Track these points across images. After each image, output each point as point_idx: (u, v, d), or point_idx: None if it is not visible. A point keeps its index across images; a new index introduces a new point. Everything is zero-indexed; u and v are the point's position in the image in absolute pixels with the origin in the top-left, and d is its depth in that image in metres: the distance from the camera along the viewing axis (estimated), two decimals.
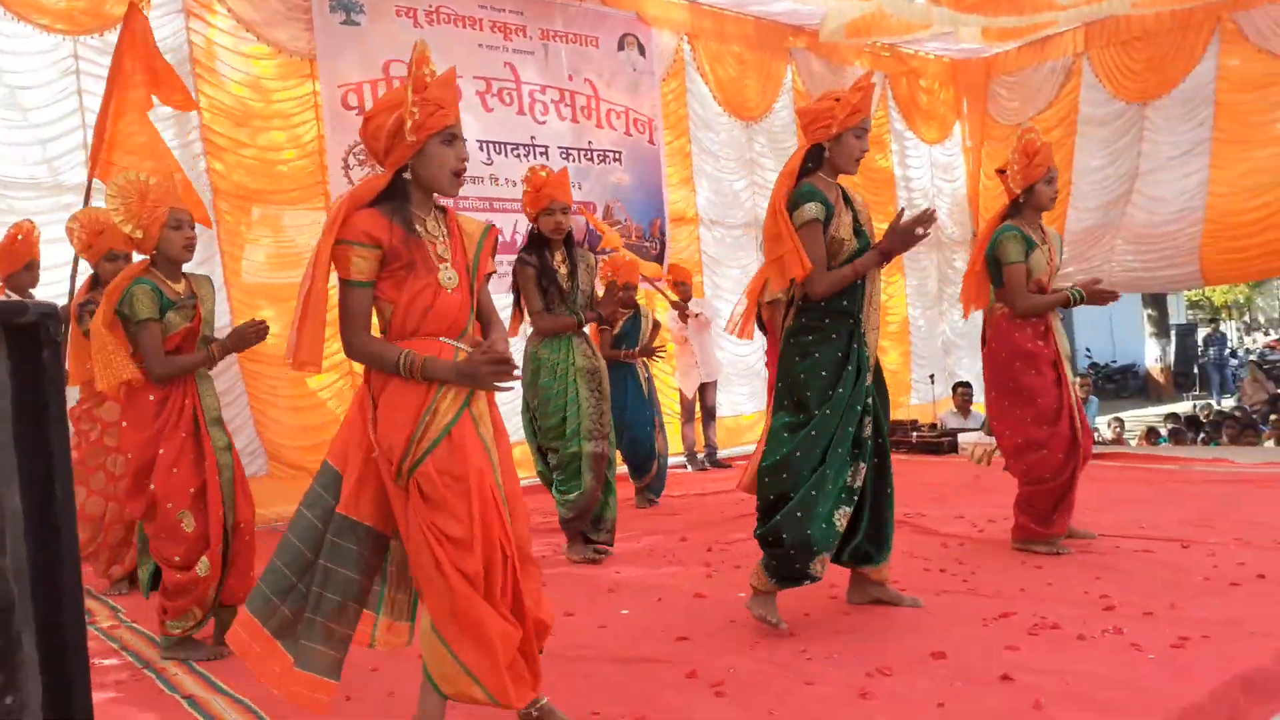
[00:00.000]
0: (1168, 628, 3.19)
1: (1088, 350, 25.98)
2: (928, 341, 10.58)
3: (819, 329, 3.58)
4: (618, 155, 8.28)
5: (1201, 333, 25.16)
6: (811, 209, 3.49)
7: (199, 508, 3.53)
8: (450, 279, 2.48)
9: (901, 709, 2.66)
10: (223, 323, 6.10)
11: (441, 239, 2.51)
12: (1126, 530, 4.75)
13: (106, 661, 3.59)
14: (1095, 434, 11.16)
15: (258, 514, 4.20)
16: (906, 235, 3.47)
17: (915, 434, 8.91)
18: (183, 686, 3.22)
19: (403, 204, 2.46)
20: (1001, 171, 4.68)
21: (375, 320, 2.53)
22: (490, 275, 2.69)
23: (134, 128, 5.28)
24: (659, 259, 8.58)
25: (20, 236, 4.93)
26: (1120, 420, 11.72)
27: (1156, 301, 20.60)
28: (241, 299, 6.76)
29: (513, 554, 2.45)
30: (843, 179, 3.69)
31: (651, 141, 8.53)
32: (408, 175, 2.48)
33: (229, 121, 6.61)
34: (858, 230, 3.64)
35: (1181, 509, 5.25)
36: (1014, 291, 4.51)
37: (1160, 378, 20.91)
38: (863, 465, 3.58)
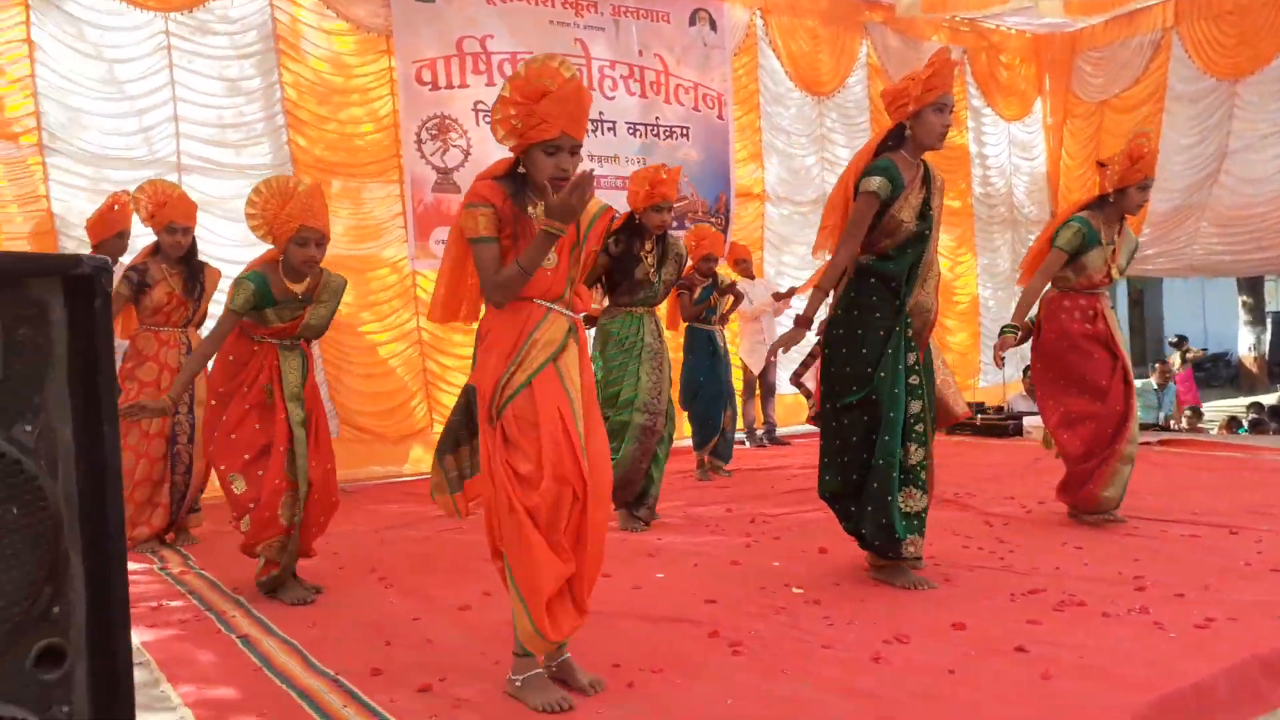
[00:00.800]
0: (1196, 609, 3.19)
1: (1176, 337, 25.14)
2: (998, 322, 10.33)
3: (865, 305, 3.63)
4: (685, 130, 8.33)
5: None
6: (875, 183, 3.56)
7: (252, 473, 3.77)
8: (550, 260, 2.67)
9: (910, 673, 2.73)
10: None
11: None
12: (1178, 515, 4.69)
13: (173, 603, 3.84)
14: (1171, 422, 10.92)
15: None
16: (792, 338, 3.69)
17: (980, 416, 8.82)
18: (239, 627, 3.45)
19: (519, 186, 2.67)
20: (1102, 165, 4.64)
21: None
22: (596, 252, 2.87)
23: None
24: (723, 234, 8.61)
25: (116, 206, 5.25)
26: (1198, 410, 11.35)
27: (1253, 288, 19.77)
28: None
29: (584, 495, 2.64)
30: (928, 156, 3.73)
31: (720, 117, 8.56)
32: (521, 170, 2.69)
33: (311, 97, 6.85)
34: (923, 214, 3.67)
35: (1240, 497, 5.15)
36: (1042, 271, 4.61)
37: (1254, 367, 20.10)
38: (913, 445, 3.66)
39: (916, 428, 3.66)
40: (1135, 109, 10.44)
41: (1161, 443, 7.61)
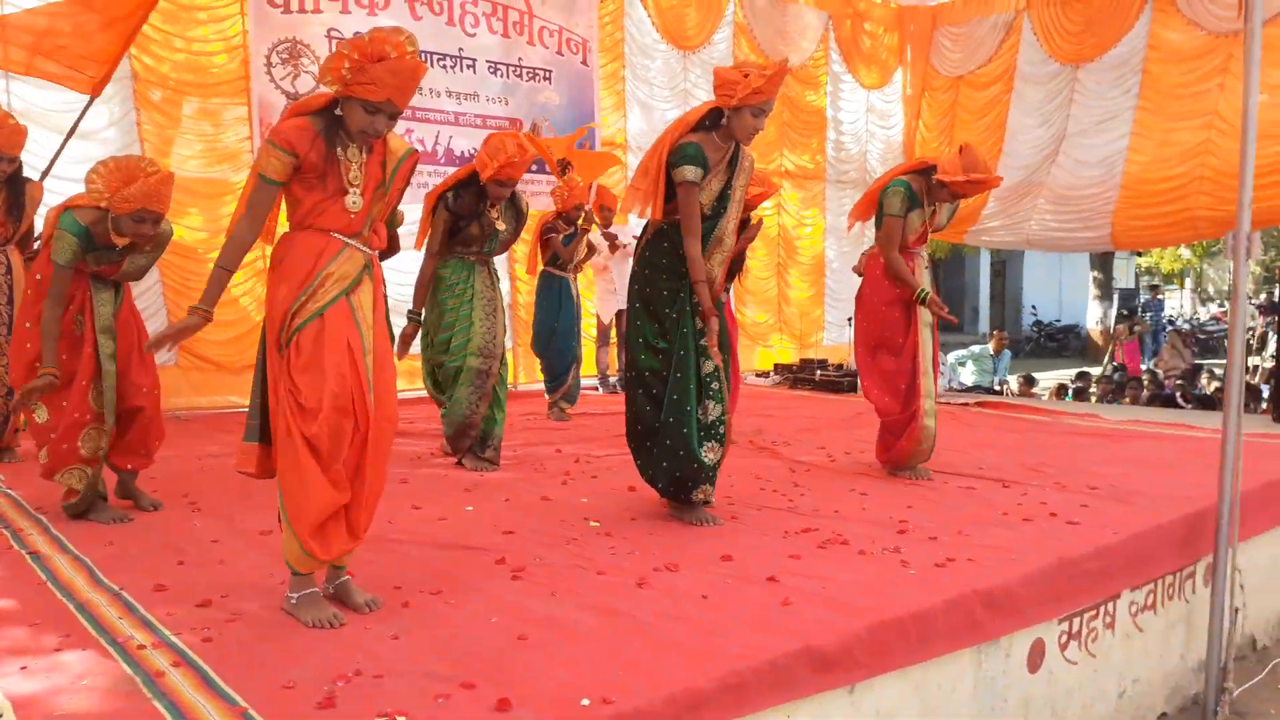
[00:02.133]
0: (941, 550, 3.52)
1: (1033, 307, 26.56)
2: (841, 280, 10.81)
3: (657, 267, 3.83)
4: (548, 74, 8.35)
5: (1143, 298, 25.85)
6: (689, 172, 3.70)
7: (55, 403, 3.77)
8: (354, 203, 2.78)
9: (668, 597, 2.96)
10: None
11: (358, 164, 2.78)
12: (965, 470, 5.09)
13: None
14: (1004, 386, 11.64)
15: (165, 402, 4.34)
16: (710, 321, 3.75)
17: (820, 372, 9.23)
18: (32, 544, 3.47)
19: (331, 124, 2.73)
20: (961, 150, 4.76)
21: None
22: (402, 190, 2.98)
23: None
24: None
25: None
26: (1030, 378, 12.13)
27: (1103, 264, 20.99)
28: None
29: (366, 428, 2.77)
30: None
31: (585, 63, 8.61)
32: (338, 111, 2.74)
33: (156, 14, 6.57)
34: (720, 197, 3.84)
35: (1028, 455, 5.59)
36: (886, 242, 4.85)
37: (1100, 340, 21.42)
38: (710, 402, 3.87)
39: (712, 385, 3.87)
40: (988, 87, 10.91)
41: (979, 404, 8.14)
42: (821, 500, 4.35)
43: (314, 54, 7.08)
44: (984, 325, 26.24)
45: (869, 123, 11.17)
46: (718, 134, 3.79)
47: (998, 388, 11.60)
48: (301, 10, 7.00)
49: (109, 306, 3.87)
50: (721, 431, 3.93)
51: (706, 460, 3.84)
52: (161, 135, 6.77)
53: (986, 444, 6.07)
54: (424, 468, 5.10)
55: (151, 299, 6.85)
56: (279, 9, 6.90)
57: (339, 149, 2.75)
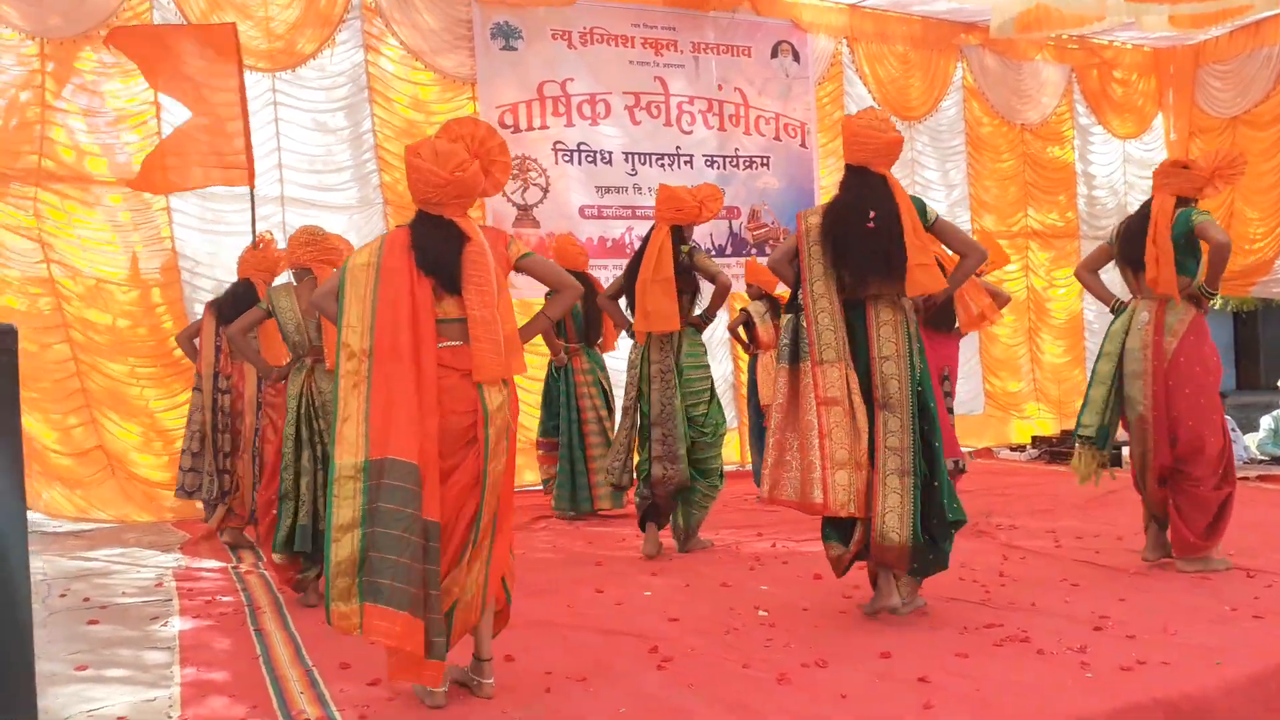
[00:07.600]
0: (1136, 651, 3.19)
1: None
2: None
3: None
4: (765, 160, 8.52)
5: None
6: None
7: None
8: None
9: (804, 693, 2.90)
10: None
11: None
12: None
13: (225, 599, 4.39)
14: None
15: None
16: None
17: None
18: (262, 622, 3.94)
19: None
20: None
21: None
22: None
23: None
24: None
25: (261, 245, 5.86)
26: None
27: None
28: None
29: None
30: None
31: (804, 145, 8.70)
32: None
33: (397, 136, 7.42)
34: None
35: None
36: None
37: None
38: None
39: None
40: (1268, 126, 9.87)
41: (1260, 478, 7.23)
42: (1023, 592, 4.05)
43: (540, 167, 7.68)
44: None
45: (1127, 174, 10.41)
46: None
47: None
48: (530, 128, 7.63)
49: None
50: None
51: None
52: None
53: (1250, 525, 5.38)
54: (624, 549, 5.26)
55: None
56: (509, 129, 7.52)
57: None
